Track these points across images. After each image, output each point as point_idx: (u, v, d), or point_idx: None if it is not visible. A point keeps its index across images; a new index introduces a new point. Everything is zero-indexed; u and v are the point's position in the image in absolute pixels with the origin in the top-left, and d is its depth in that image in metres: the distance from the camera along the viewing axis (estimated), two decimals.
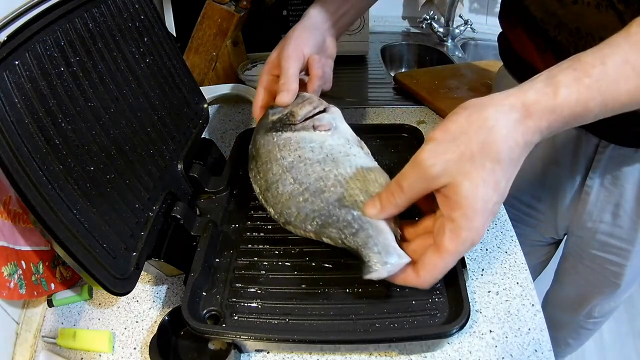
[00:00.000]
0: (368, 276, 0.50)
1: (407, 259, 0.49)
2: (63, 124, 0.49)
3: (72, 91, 0.51)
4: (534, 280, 0.97)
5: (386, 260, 0.49)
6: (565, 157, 0.69)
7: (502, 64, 0.79)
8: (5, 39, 0.43)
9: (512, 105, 0.41)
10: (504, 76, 0.75)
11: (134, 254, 0.54)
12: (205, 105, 0.79)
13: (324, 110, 0.71)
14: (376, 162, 0.64)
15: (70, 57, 0.51)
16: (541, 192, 0.77)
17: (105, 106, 0.56)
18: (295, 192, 0.59)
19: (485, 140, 0.41)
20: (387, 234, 0.51)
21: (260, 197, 0.63)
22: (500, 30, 0.76)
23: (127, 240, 0.54)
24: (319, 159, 0.62)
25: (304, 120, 0.68)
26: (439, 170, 0.42)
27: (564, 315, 0.97)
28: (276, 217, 0.60)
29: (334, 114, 0.72)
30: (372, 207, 0.49)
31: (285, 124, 0.68)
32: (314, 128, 0.68)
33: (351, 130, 0.70)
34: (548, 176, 0.73)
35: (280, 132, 0.67)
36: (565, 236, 0.86)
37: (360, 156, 0.64)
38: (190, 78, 0.77)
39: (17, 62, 0.44)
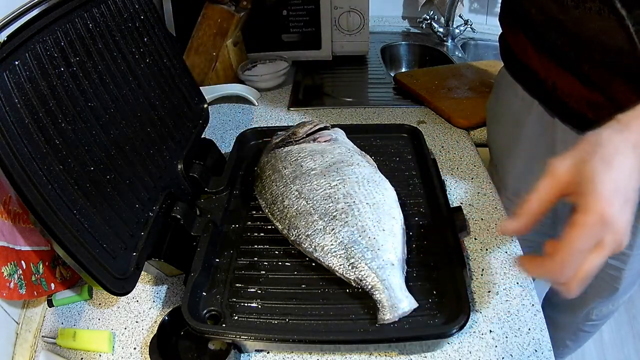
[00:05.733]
0: (381, 322, 0.51)
1: (415, 305, 0.52)
2: (63, 124, 0.49)
3: (72, 91, 0.51)
4: (532, 280, 0.97)
5: (398, 306, 0.51)
6: None
7: (502, 64, 0.80)
8: (5, 39, 0.43)
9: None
10: (504, 76, 0.75)
11: (134, 254, 0.54)
12: (205, 106, 0.79)
13: (325, 128, 0.73)
14: (380, 173, 0.65)
15: (70, 57, 0.51)
16: None
17: (105, 106, 0.56)
18: (302, 209, 0.59)
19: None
20: (398, 281, 0.53)
21: (267, 211, 0.63)
22: (501, 31, 0.76)
23: (127, 240, 0.54)
24: (323, 170, 0.62)
25: (305, 137, 0.70)
26: (562, 160, 0.39)
27: (563, 317, 0.97)
28: (285, 232, 0.60)
29: (335, 129, 0.73)
30: (509, 226, 0.42)
31: (288, 142, 0.69)
32: (314, 140, 0.69)
33: (352, 143, 0.71)
34: None
35: (282, 148, 0.68)
36: None
37: (363, 165, 0.64)
38: (190, 78, 0.77)
39: (17, 63, 0.44)
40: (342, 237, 0.56)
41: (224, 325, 0.53)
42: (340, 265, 0.55)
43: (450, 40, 1.35)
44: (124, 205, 0.55)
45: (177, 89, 0.72)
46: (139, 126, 0.61)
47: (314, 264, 0.58)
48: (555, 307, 0.97)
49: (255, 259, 0.61)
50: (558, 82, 0.62)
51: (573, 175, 0.38)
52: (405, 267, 0.56)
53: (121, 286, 0.50)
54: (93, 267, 0.47)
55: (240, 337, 0.51)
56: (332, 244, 0.56)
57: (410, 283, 0.55)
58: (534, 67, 0.65)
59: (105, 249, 0.50)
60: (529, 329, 0.55)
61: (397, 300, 0.51)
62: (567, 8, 0.55)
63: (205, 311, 0.54)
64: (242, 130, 0.82)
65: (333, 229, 0.57)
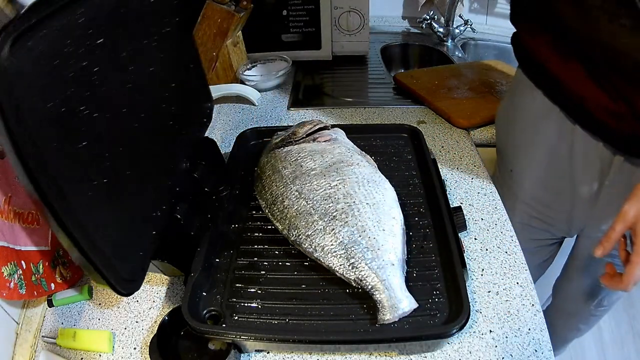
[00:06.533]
0: (381, 322, 0.51)
1: (415, 305, 0.52)
2: (86, 112, 0.45)
3: (96, 77, 0.47)
4: (538, 278, 0.98)
5: (398, 306, 0.51)
6: (583, 164, 0.70)
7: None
8: (28, 9, 0.39)
9: None
10: (522, 80, 0.73)
11: (141, 254, 0.53)
12: (211, 104, 0.77)
13: (325, 128, 0.73)
14: (380, 173, 0.65)
15: (95, 39, 0.47)
16: (558, 194, 0.77)
17: (126, 96, 0.52)
18: (302, 209, 0.59)
19: None
20: (398, 281, 0.53)
21: (267, 212, 0.63)
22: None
23: (136, 241, 0.52)
24: (322, 171, 0.62)
25: (305, 137, 0.70)
26: (630, 207, 0.54)
27: (576, 306, 1.01)
28: (285, 232, 0.60)
29: (335, 129, 0.73)
30: (599, 252, 0.58)
31: (288, 142, 0.69)
32: (314, 140, 0.69)
33: (352, 143, 0.71)
34: (565, 181, 0.73)
35: (282, 148, 0.68)
36: (577, 236, 0.88)
37: (363, 165, 0.64)
38: (203, 75, 0.74)
39: (42, 33, 0.40)
40: (342, 237, 0.56)
41: (224, 325, 0.53)
42: (340, 265, 0.55)
43: (450, 40, 1.35)
44: (134, 203, 0.53)
45: (191, 85, 0.70)
46: (154, 120, 0.58)
47: (314, 264, 0.58)
48: (567, 298, 1.02)
49: (255, 259, 0.60)
50: (582, 89, 0.62)
51: (635, 220, 0.54)
52: (405, 267, 0.56)
53: (128, 287, 0.49)
54: (105, 267, 0.46)
55: (240, 337, 0.51)
56: (332, 244, 0.56)
57: (410, 283, 0.55)
58: (557, 72, 0.65)
59: (116, 249, 0.48)
60: (529, 329, 0.55)
61: (397, 300, 0.51)
62: (602, 21, 0.55)
63: (205, 311, 0.54)
64: (242, 130, 0.82)
65: (333, 229, 0.57)
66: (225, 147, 0.90)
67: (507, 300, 0.58)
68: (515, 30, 0.74)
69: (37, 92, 0.40)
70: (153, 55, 0.60)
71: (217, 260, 0.60)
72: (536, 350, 0.53)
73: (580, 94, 0.63)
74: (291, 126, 0.74)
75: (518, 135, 0.77)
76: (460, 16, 1.35)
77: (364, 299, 0.54)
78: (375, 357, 0.53)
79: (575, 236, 0.89)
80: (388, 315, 0.51)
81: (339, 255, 0.55)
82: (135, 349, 0.56)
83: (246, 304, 0.55)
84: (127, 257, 0.50)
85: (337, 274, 0.55)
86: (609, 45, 0.56)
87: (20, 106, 0.38)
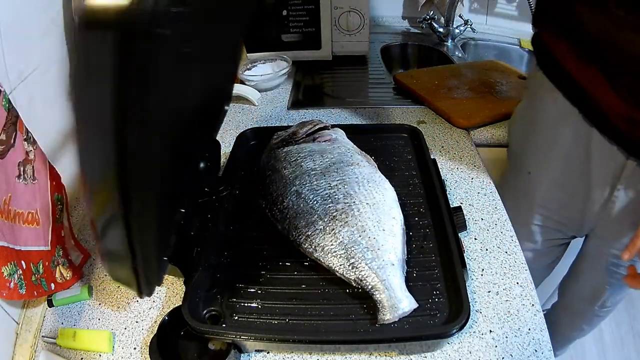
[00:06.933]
0: (381, 322, 0.51)
1: (415, 305, 0.52)
2: (176, 95, 0.40)
3: (188, 60, 0.41)
4: (545, 278, 0.99)
5: (398, 306, 0.51)
6: (598, 167, 0.71)
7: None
8: None
9: None
10: (542, 82, 0.73)
11: (165, 258, 0.51)
12: (228, 106, 0.71)
13: (325, 128, 0.73)
14: (380, 173, 0.65)
15: (201, 23, 0.42)
16: (573, 195, 0.78)
17: (193, 86, 0.48)
18: (302, 209, 0.59)
19: None
20: (398, 281, 0.53)
21: (267, 212, 0.63)
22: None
23: (162, 244, 0.50)
24: (322, 170, 0.62)
25: (305, 137, 0.70)
26: None
27: (581, 306, 1.03)
28: (285, 232, 0.60)
29: (335, 129, 0.73)
30: (627, 256, 0.63)
31: (288, 142, 0.69)
32: (314, 140, 0.69)
33: (352, 143, 0.71)
34: (581, 183, 0.74)
35: (282, 148, 0.68)
36: (585, 236, 0.89)
37: (363, 165, 0.64)
38: (235, 75, 0.70)
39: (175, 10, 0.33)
40: (342, 237, 0.56)
41: (224, 325, 0.53)
42: (340, 265, 0.55)
43: (450, 40, 1.35)
44: (162, 205, 0.49)
45: (223, 84, 0.67)
46: (195, 114, 0.55)
47: (314, 264, 0.58)
48: (573, 298, 1.04)
49: (256, 259, 0.60)
50: (598, 92, 0.63)
51: None
52: (405, 267, 0.56)
53: (149, 290, 0.46)
54: (145, 269, 0.42)
55: (240, 337, 0.51)
56: (332, 244, 0.56)
57: (410, 283, 0.55)
58: (575, 74, 0.65)
59: (156, 251, 0.46)
60: (529, 329, 0.55)
61: (397, 300, 0.51)
62: (624, 30, 0.56)
63: (205, 311, 0.54)
64: (242, 130, 0.82)
65: (333, 229, 0.57)
66: (225, 147, 0.90)
67: (507, 300, 0.58)
68: (536, 31, 0.74)
69: (166, 66, 0.34)
70: (216, 48, 0.55)
71: (217, 260, 0.60)
72: (536, 350, 0.53)
73: (597, 97, 0.63)
74: (291, 126, 0.74)
75: (538, 136, 0.77)
76: (460, 16, 1.35)
77: (364, 299, 0.54)
78: (375, 357, 0.53)
79: (584, 236, 0.89)
80: (388, 315, 0.51)
81: (339, 255, 0.55)
82: (135, 349, 0.56)
83: (246, 304, 0.55)
84: (158, 259, 0.48)
85: (337, 274, 0.55)
86: (628, 53, 0.57)
87: (150, 75, 0.32)
